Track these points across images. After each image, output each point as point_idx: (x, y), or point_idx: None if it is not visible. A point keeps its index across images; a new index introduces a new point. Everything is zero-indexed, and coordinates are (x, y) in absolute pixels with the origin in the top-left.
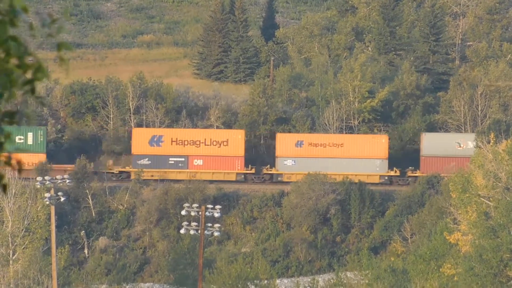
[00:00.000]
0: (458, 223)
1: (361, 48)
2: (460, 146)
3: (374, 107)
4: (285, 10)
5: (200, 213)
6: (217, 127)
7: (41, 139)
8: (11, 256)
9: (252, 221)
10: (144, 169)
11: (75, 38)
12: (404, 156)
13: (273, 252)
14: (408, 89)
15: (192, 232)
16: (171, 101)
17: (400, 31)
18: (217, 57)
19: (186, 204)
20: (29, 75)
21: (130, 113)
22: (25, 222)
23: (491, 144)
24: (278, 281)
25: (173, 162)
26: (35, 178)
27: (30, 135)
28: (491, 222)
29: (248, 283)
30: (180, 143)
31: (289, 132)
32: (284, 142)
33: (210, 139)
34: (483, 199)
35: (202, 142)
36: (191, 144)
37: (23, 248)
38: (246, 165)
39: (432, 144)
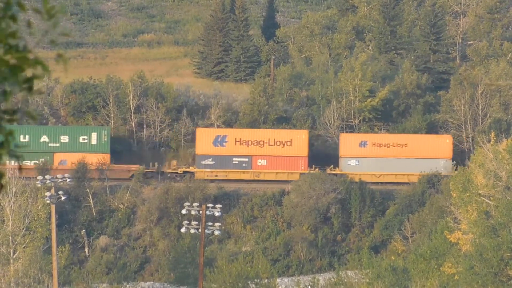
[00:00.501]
0: (458, 222)
1: (361, 47)
2: None
3: (374, 106)
4: (286, 9)
5: (200, 212)
6: (218, 126)
7: (105, 139)
8: (11, 255)
9: (252, 220)
10: (208, 169)
11: (75, 37)
12: None
13: (273, 251)
14: (408, 88)
15: (192, 231)
16: (171, 100)
17: (400, 30)
18: (217, 56)
19: (187, 203)
20: (28, 73)
21: (131, 112)
22: (26, 221)
23: (491, 143)
24: (278, 280)
25: (237, 162)
26: (36, 177)
27: (94, 135)
28: (492, 221)
29: (249, 282)
30: (244, 143)
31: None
32: (348, 142)
33: (274, 139)
34: (483, 198)
35: (266, 142)
36: (255, 144)
37: (24, 247)
38: (310, 165)
39: None
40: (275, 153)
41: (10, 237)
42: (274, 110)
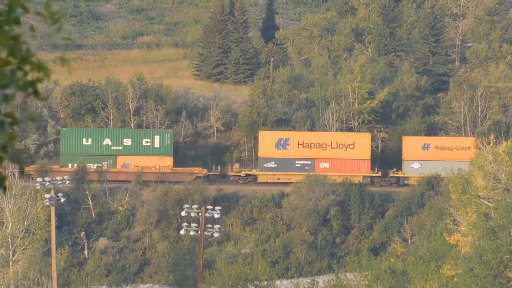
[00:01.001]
0: (458, 224)
1: (361, 49)
2: None
3: (374, 108)
4: (285, 11)
5: (200, 214)
6: (217, 129)
7: (168, 142)
8: (11, 257)
9: (252, 222)
10: (270, 172)
11: (75, 39)
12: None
13: (273, 253)
14: (408, 90)
15: (192, 233)
16: (171, 102)
17: (400, 32)
18: (217, 58)
19: (186, 205)
20: (30, 77)
21: (130, 114)
22: (25, 223)
23: (491, 145)
24: (278, 282)
25: (299, 165)
26: (35, 179)
27: (156, 138)
28: (491, 223)
29: (248, 284)
30: (307, 146)
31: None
32: (411, 145)
33: (337, 142)
34: (483, 200)
35: (328, 145)
36: (317, 147)
37: (23, 249)
38: (372, 168)
39: None
40: (338, 156)
41: (9, 239)
42: (274, 112)
